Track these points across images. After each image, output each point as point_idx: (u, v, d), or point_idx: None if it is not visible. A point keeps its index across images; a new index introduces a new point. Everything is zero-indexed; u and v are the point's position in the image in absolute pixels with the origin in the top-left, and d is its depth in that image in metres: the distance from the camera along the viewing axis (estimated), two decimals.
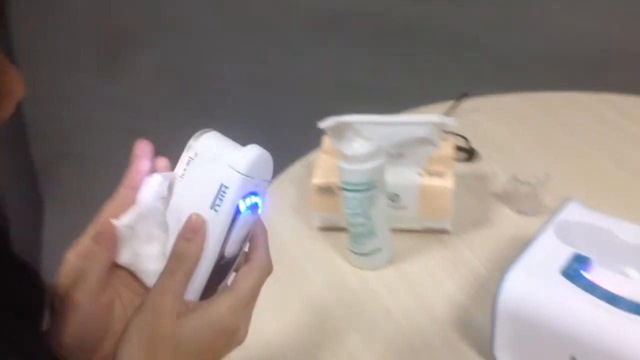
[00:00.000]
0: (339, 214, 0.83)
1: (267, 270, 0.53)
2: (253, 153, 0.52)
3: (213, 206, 0.51)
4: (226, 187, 0.51)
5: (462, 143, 1.03)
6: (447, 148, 0.89)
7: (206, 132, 0.55)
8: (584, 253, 0.68)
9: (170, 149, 0.58)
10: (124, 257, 0.54)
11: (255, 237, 0.55)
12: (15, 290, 0.50)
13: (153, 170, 0.55)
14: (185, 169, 0.55)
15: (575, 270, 0.66)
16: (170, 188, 0.55)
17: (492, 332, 0.68)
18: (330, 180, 0.85)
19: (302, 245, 0.90)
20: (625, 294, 0.62)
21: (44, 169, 2.00)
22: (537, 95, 1.19)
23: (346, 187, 0.78)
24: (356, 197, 0.78)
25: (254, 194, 0.53)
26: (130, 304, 0.54)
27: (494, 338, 0.68)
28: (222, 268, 0.53)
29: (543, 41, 1.96)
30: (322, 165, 0.89)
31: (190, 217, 0.52)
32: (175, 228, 0.53)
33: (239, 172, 0.51)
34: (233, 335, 0.51)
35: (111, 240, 0.53)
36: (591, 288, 0.63)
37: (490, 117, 1.14)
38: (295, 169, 1.02)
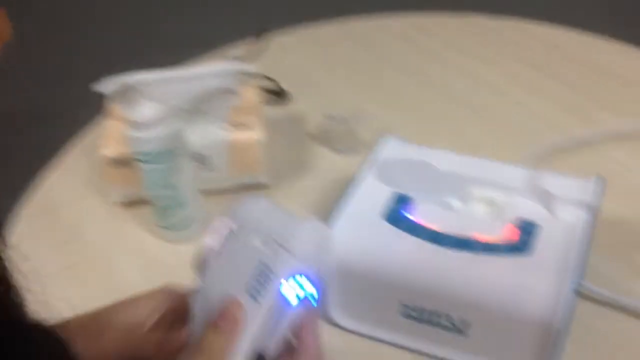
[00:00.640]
0: (140, 186, 0.73)
1: None
2: (311, 229, 0.43)
3: (253, 293, 0.41)
4: (270, 271, 0.41)
5: (269, 85, 0.95)
6: (251, 94, 0.81)
7: (254, 199, 0.45)
8: (405, 191, 0.64)
9: None
10: None
11: (304, 328, 0.44)
12: None
13: None
14: (223, 244, 0.44)
15: (398, 213, 0.62)
16: (203, 267, 0.44)
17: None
18: (123, 151, 0.74)
19: (101, 226, 0.78)
20: (449, 229, 0.60)
21: None
22: (345, 24, 1.13)
23: (141, 158, 0.68)
24: (155, 168, 0.68)
25: (307, 279, 0.43)
26: None
27: (327, 297, 0.63)
28: None
29: None
30: (112, 134, 0.77)
31: (226, 302, 0.41)
32: (202, 316, 0.42)
33: (289, 253, 0.42)
34: None
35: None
36: (415, 229, 0.60)
37: (297, 52, 1.07)
38: (87, 138, 0.90)
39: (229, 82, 0.74)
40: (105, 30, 2.02)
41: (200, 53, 1.03)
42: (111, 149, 0.75)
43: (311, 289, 0.45)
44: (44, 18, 2.24)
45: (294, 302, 0.43)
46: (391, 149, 0.70)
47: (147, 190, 0.71)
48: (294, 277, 0.43)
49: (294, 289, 0.43)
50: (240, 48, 1.05)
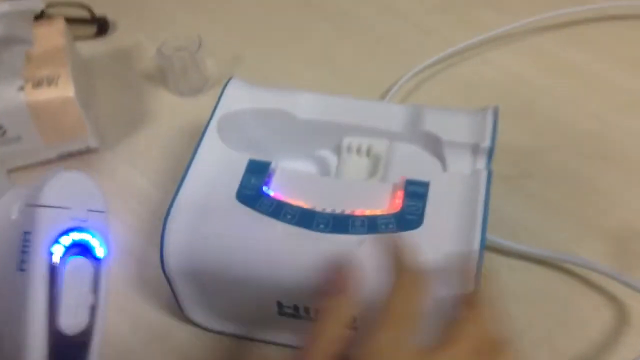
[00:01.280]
0: None
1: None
2: (55, 177, 0.37)
3: (21, 267, 0.36)
4: (28, 233, 0.36)
5: (82, 14, 0.76)
6: (53, 36, 0.62)
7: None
8: (260, 155, 0.51)
9: None
10: None
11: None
12: None
13: None
14: None
15: (254, 188, 0.48)
16: None
17: (173, 291, 0.50)
18: None
19: None
20: (320, 204, 0.47)
21: None
22: None
23: None
24: None
25: (80, 230, 0.37)
26: None
27: (178, 298, 0.50)
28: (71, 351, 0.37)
29: None
30: None
31: None
32: None
33: (39, 206, 0.36)
34: None
35: None
36: (278, 210, 0.47)
37: None
38: None
39: (13, 26, 0.55)
40: None
41: None
42: None
43: (89, 238, 0.38)
44: None
45: (66, 257, 0.38)
46: (237, 98, 0.55)
47: None
48: (64, 233, 0.37)
49: (63, 245, 0.37)
50: None
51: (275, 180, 0.49)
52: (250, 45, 0.74)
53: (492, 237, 0.54)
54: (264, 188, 0.48)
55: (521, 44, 0.73)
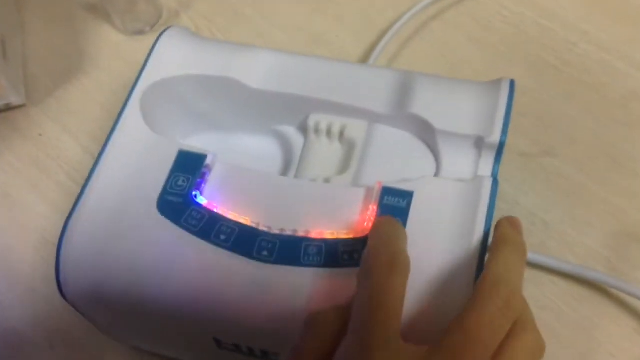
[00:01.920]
0: None
1: None
2: None
3: None
4: None
5: None
6: None
7: None
8: (200, 128, 0.39)
9: None
10: None
11: None
12: None
13: None
14: None
15: (180, 192, 0.36)
16: None
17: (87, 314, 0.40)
18: None
19: None
20: (267, 220, 0.35)
21: None
22: None
23: None
24: None
25: None
26: None
27: (93, 323, 0.40)
28: None
29: None
30: None
31: None
32: None
33: None
34: None
35: None
36: (208, 227, 0.35)
37: None
38: None
39: None
40: None
41: None
42: None
43: None
44: None
45: None
46: (173, 56, 0.41)
47: None
48: None
49: None
50: None
51: (210, 182, 0.37)
52: None
53: None
54: (194, 193, 0.36)
55: None
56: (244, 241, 0.35)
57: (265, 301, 0.34)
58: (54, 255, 0.36)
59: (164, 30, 0.43)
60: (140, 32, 0.57)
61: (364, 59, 0.54)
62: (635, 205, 0.46)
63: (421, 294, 0.32)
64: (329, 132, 0.40)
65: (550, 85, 0.52)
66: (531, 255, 0.43)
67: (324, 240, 0.34)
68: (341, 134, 0.40)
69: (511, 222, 0.33)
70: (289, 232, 0.35)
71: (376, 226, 0.33)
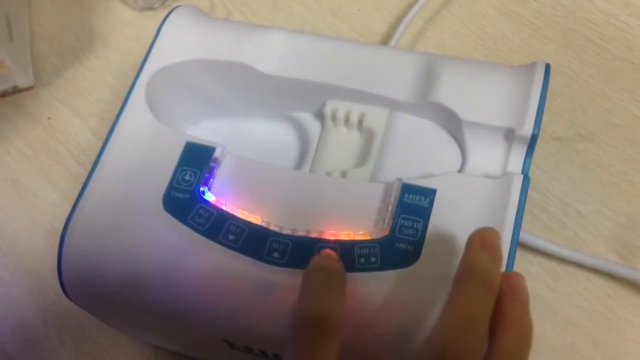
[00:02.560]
0: None
1: None
2: None
3: None
4: None
5: None
6: None
7: None
8: (211, 114, 0.37)
9: None
10: None
11: None
12: None
13: None
14: None
15: (186, 187, 0.34)
16: None
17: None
18: None
19: None
20: (279, 219, 0.33)
21: None
22: None
23: None
24: None
25: None
26: None
27: (102, 320, 0.39)
28: None
29: None
30: None
31: None
32: None
33: None
34: None
35: None
36: (217, 227, 0.33)
37: None
38: None
39: None
40: None
41: None
42: None
43: None
44: None
45: None
46: (181, 39, 0.39)
47: None
48: None
49: None
50: None
51: (219, 176, 0.35)
52: None
53: (527, 235, 0.40)
54: (202, 189, 0.34)
55: None
56: (253, 242, 0.32)
57: (276, 307, 0.31)
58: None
59: (171, 11, 0.40)
60: (151, 8, 0.54)
61: (387, 35, 0.51)
62: None
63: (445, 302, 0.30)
64: (347, 120, 0.38)
65: (588, 63, 0.48)
66: (565, 251, 0.40)
67: (339, 242, 0.32)
68: (360, 123, 0.37)
69: (483, 243, 0.28)
70: (301, 233, 0.32)
71: (307, 274, 0.29)
